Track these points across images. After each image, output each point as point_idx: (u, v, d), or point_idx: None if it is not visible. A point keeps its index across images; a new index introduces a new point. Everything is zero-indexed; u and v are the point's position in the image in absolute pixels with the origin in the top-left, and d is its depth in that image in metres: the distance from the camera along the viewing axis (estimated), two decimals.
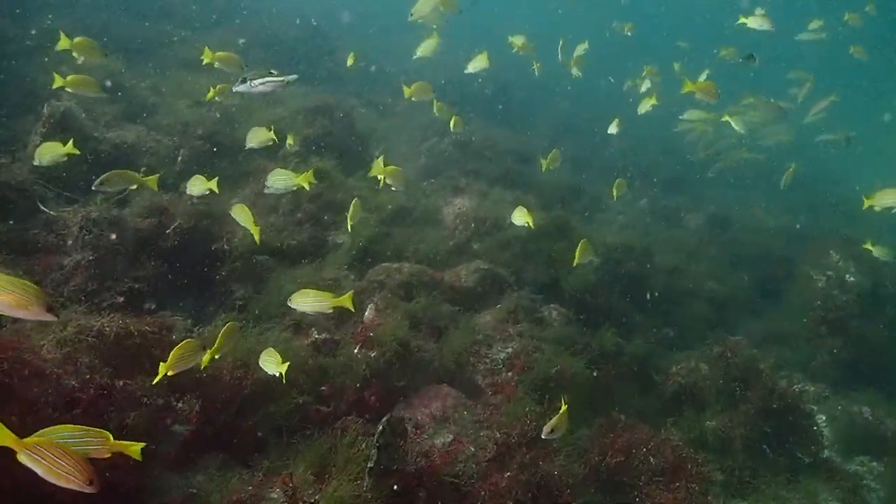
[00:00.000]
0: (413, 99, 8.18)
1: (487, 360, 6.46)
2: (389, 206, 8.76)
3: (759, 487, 6.96)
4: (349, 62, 9.10)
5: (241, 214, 5.69)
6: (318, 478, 4.47)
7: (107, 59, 6.70)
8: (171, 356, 4.14)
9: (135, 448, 3.34)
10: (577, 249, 6.78)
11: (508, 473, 4.97)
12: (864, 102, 25.41)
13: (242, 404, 5.12)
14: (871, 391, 8.98)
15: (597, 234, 9.49)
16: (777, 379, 7.96)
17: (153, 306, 6.05)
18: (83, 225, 6.23)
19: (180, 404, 4.77)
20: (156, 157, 8.57)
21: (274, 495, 4.40)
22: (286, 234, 7.79)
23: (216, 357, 4.51)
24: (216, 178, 6.04)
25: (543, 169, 8.64)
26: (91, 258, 6.15)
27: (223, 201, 7.36)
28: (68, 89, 6.40)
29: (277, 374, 4.70)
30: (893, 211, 6.80)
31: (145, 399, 4.55)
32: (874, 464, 8.10)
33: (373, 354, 5.77)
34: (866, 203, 6.98)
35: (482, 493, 4.80)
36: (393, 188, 7.08)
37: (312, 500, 4.24)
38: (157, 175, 6.03)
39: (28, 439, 2.89)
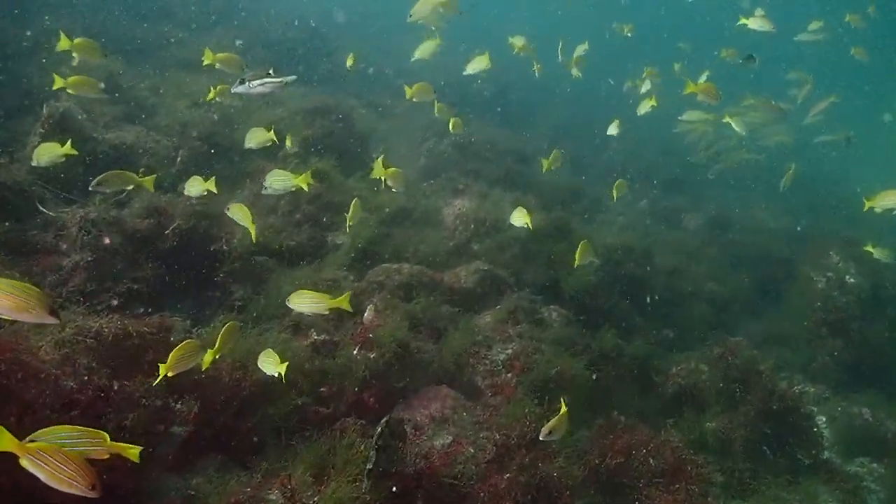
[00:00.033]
0: (414, 99, 8.17)
1: (487, 362, 6.45)
2: (389, 208, 8.75)
3: (759, 489, 6.94)
4: (348, 63, 9.09)
5: (239, 213, 5.68)
6: (317, 479, 4.45)
7: (106, 59, 6.69)
8: (170, 357, 4.13)
9: (133, 451, 3.33)
10: (578, 250, 6.77)
11: (508, 475, 4.96)
12: (865, 103, 25.41)
13: (241, 406, 5.10)
14: (872, 392, 8.97)
15: (597, 236, 9.48)
16: (777, 380, 7.95)
17: (149, 310, 6.03)
18: (82, 226, 6.22)
19: (179, 405, 4.75)
20: (155, 158, 8.56)
21: (273, 497, 4.39)
22: (285, 234, 7.78)
23: (216, 357, 4.50)
24: (213, 179, 6.03)
25: (544, 170, 8.64)
26: (90, 259, 6.15)
27: (222, 202, 7.34)
28: (69, 90, 6.39)
29: (276, 375, 4.69)
30: (894, 212, 6.80)
31: (144, 400, 4.53)
32: (874, 465, 8.09)
33: (372, 356, 5.76)
34: (867, 204, 6.97)
35: (481, 494, 4.79)
36: (393, 189, 7.07)
37: (311, 502, 4.23)
38: (154, 175, 6.02)
39: (30, 444, 2.89)
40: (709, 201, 16.16)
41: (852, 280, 10.09)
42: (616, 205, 12.78)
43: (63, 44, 6.26)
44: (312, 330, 6.11)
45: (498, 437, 5.20)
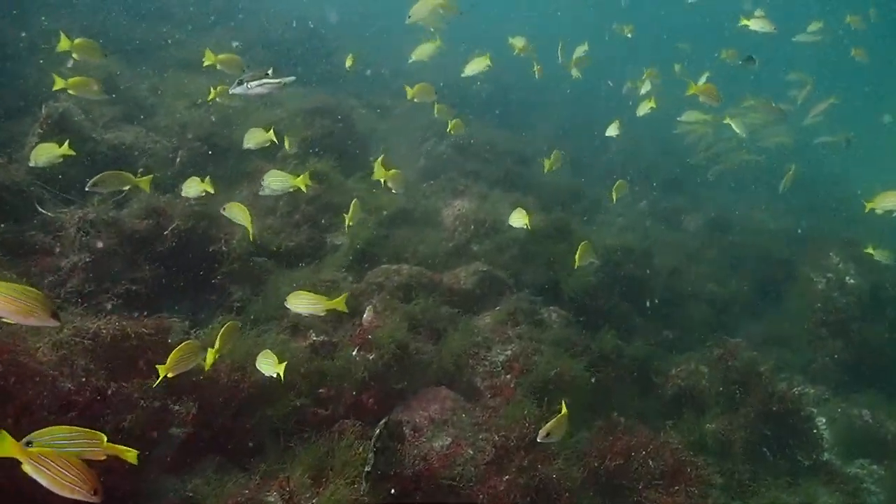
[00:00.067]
0: (415, 100, 8.16)
1: (486, 363, 6.43)
2: (388, 209, 8.73)
3: (759, 491, 6.93)
4: (348, 63, 9.08)
5: (236, 212, 5.66)
6: (316, 481, 4.44)
7: (106, 59, 6.67)
8: (171, 358, 4.12)
9: (131, 454, 3.32)
10: (578, 251, 6.75)
11: (507, 477, 4.95)
12: (864, 105, 25.40)
13: (240, 407, 5.09)
14: (872, 393, 8.96)
15: (596, 237, 9.47)
16: (777, 381, 7.94)
17: (147, 312, 6.02)
18: (80, 226, 6.21)
19: (177, 407, 4.73)
20: (154, 159, 8.55)
21: (271, 499, 4.38)
22: (284, 235, 7.77)
23: (217, 356, 4.49)
24: (210, 179, 6.02)
25: (546, 170, 8.61)
26: (88, 260, 6.13)
27: (221, 203, 7.31)
28: (70, 91, 6.37)
29: (275, 376, 4.68)
30: (894, 214, 6.79)
31: (142, 402, 4.52)
32: (874, 467, 8.07)
33: (371, 357, 5.75)
34: (867, 206, 6.97)
35: (480, 496, 4.78)
36: (393, 191, 7.05)
37: None
38: (151, 176, 6.00)
39: (33, 449, 2.89)
40: (708, 202, 16.15)
41: (852, 281, 10.09)
42: (616, 206, 12.76)
43: (63, 44, 6.25)
44: (311, 331, 6.10)
45: (497, 438, 5.19)
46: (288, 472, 4.50)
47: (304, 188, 5.83)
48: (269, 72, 5.07)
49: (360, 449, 4.55)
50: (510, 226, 7.06)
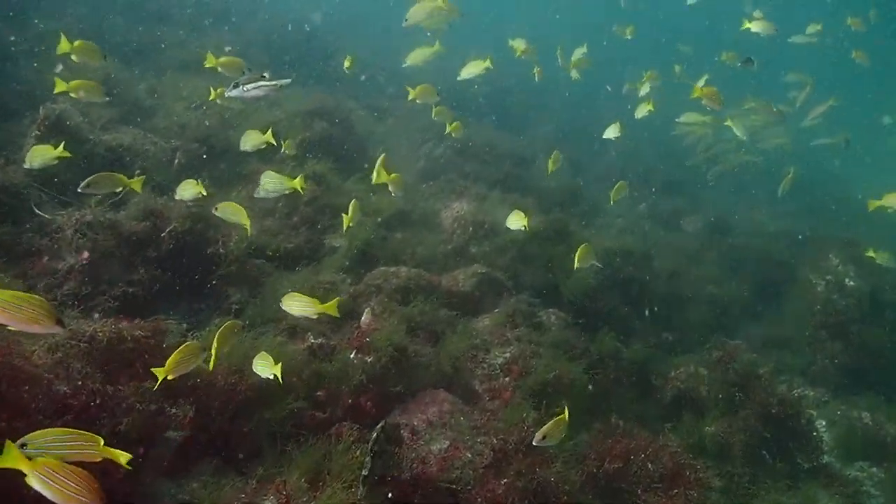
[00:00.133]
0: (417, 101, 8.13)
1: (485, 365, 6.41)
2: (387, 210, 8.72)
3: (759, 493, 6.91)
4: (346, 65, 9.06)
5: (228, 210, 5.63)
6: (313, 485, 4.42)
7: (105, 61, 6.65)
8: (171, 360, 4.10)
9: (123, 458, 3.29)
10: (578, 253, 6.73)
11: (505, 480, 4.92)
12: (864, 106, 25.40)
13: (237, 410, 5.06)
14: (871, 396, 8.96)
15: (596, 239, 9.46)
16: (776, 384, 7.94)
17: (145, 314, 6.00)
18: (77, 228, 6.18)
19: (174, 410, 4.71)
20: (152, 160, 8.52)
21: (268, 503, 4.35)
22: (282, 237, 7.75)
23: (217, 356, 4.46)
24: (205, 182, 6.00)
25: (549, 171, 8.59)
26: (85, 262, 6.10)
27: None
28: (72, 94, 6.35)
29: (271, 377, 4.66)
30: None
31: (138, 405, 4.49)
32: (874, 469, 8.06)
33: (369, 359, 5.72)
34: (873, 205, 6.95)
35: (479, 499, 4.75)
36: (392, 194, 7.03)
37: None
38: (143, 177, 5.97)
39: (37, 460, 2.88)
40: (708, 204, 16.15)
41: (852, 283, 10.08)
42: (615, 208, 12.75)
43: (63, 46, 6.23)
44: (309, 333, 6.08)
45: (495, 441, 5.16)
46: (285, 476, 4.48)
47: (300, 190, 5.81)
48: (266, 74, 5.05)
49: (358, 452, 4.53)
50: (508, 228, 7.03)
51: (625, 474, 5.77)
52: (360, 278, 7.29)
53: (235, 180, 8.69)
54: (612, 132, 8.78)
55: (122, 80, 10.34)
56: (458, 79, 8.65)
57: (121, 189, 5.70)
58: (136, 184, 5.76)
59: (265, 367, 4.66)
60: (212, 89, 7.19)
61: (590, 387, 6.47)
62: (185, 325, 5.74)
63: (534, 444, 4.60)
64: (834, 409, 8.89)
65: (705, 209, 15.45)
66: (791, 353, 10.06)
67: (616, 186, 8.74)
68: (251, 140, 6.36)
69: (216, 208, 5.65)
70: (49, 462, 2.88)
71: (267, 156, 8.45)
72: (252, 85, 5.09)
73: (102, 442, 3.23)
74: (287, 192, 5.84)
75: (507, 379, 6.22)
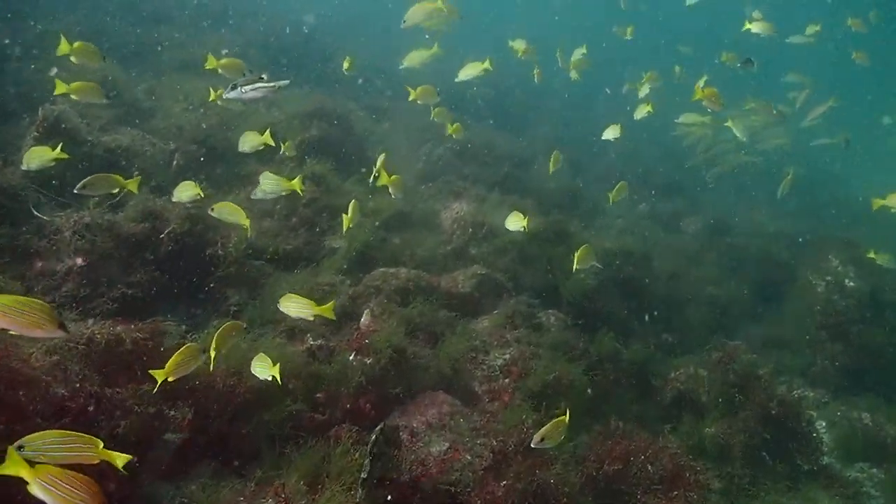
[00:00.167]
0: (418, 102, 8.12)
1: (484, 367, 6.40)
2: (386, 212, 8.71)
3: (759, 495, 6.91)
4: (345, 66, 9.05)
5: (225, 210, 5.62)
6: (311, 488, 4.40)
7: (104, 63, 6.64)
8: (171, 361, 4.09)
9: (120, 461, 3.28)
10: (579, 254, 6.72)
11: (505, 482, 4.91)
12: (864, 106, 25.41)
13: (236, 412, 5.05)
14: (871, 396, 8.94)
15: (595, 240, 9.45)
16: (776, 384, 7.93)
17: (143, 316, 5.98)
18: (76, 230, 6.17)
19: (172, 412, 4.70)
20: (151, 162, 8.51)
21: None
22: (281, 239, 7.74)
23: (217, 355, 4.45)
24: (203, 184, 5.99)
25: (551, 171, 8.57)
26: (83, 263, 6.09)
27: None
28: (73, 96, 6.33)
29: (270, 379, 4.65)
30: None
31: (137, 407, 4.48)
32: (874, 470, 8.04)
33: (368, 361, 5.71)
34: (877, 204, 6.95)
35: (478, 502, 4.74)
36: (393, 196, 7.01)
37: None
38: (139, 178, 5.95)
39: (39, 467, 2.87)
40: (708, 205, 16.14)
41: (852, 284, 10.07)
42: (615, 209, 12.74)
43: (63, 48, 6.21)
44: (308, 335, 6.07)
45: (495, 443, 5.15)
46: (284, 479, 4.46)
47: (299, 191, 5.80)
48: (264, 76, 5.04)
49: (357, 455, 4.51)
50: (507, 229, 7.02)
51: (624, 476, 5.76)
52: (359, 280, 7.28)
53: (234, 181, 8.68)
54: (610, 133, 8.76)
55: (120, 82, 10.32)
56: (457, 80, 8.61)
57: (118, 190, 5.68)
58: (133, 184, 5.74)
59: (264, 369, 4.65)
60: (211, 90, 7.19)
61: (589, 390, 6.46)
62: (183, 327, 5.74)
63: (532, 445, 4.58)
64: (834, 410, 8.88)
65: (705, 210, 15.44)
66: (791, 353, 10.05)
67: (616, 187, 8.72)
68: (249, 141, 6.35)
69: (212, 209, 5.63)
70: (51, 469, 2.88)
71: (266, 157, 8.44)
72: (250, 87, 5.08)
73: (102, 445, 3.22)
74: (284, 193, 5.83)
75: (506, 380, 6.21)
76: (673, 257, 11.71)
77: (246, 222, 5.69)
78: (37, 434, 3.09)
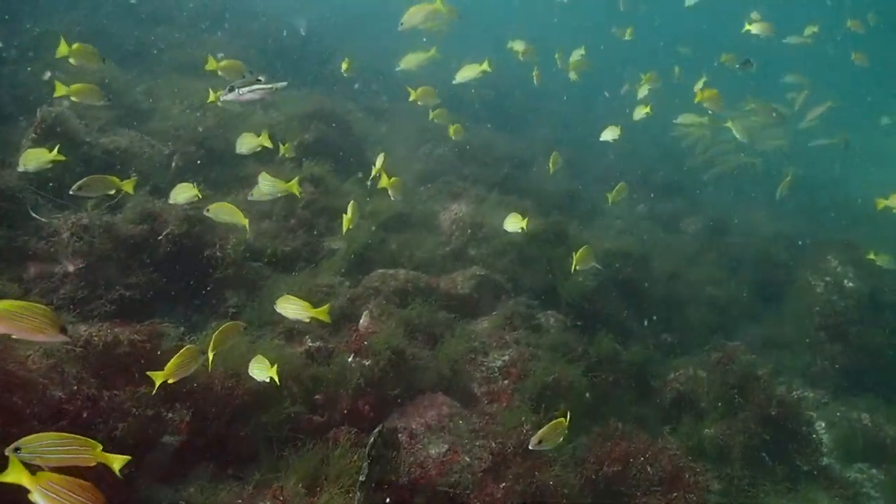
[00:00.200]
0: (418, 103, 8.10)
1: (483, 368, 6.39)
2: (385, 213, 8.69)
3: (758, 496, 6.90)
4: (343, 67, 9.04)
5: (222, 211, 5.60)
6: (310, 490, 4.39)
7: (103, 64, 6.63)
8: (171, 363, 4.08)
9: (116, 464, 3.27)
10: (578, 255, 6.72)
11: (504, 484, 4.90)
12: (863, 107, 25.42)
13: (234, 414, 5.04)
14: (870, 397, 8.92)
15: (594, 241, 9.44)
16: (776, 385, 7.91)
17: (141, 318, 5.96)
18: (74, 231, 6.15)
19: (170, 415, 4.69)
20: (150, 163, 8.50)
21: None
22: (279, 240, 7.72)
23: (214, 353, 4.45)
24: (202, 186, 5.98)
25: (551, 172, 8.56)
26: (82, 265, 6.08)
27: None
28: (73, 98, 6.32)
29: (268, 380, 4.64)
30: None
31: (134, 410, 4.47)
32: (873, 471, 8.03)
33: (367, 363, 5.69)
34: (880, 204, 6.95)
35: (477, 503, 4.73)
36: (392, 198, 7.00)
37: None
38: (134, 179, 5.94)
39: (41, 475, 2.87)
40: (707, 205, 16.14)
41: (851, 284, 10.06)
42: (614, 209, 12.74)
43: (62, 50, 6.20)
44: (307, 337, 6.06)
45: (494, 445, 5.14)
46: (282, 481, 4.45)
47: (297, 193, 5.78)
48: (261, 78, 5.03)
49: (355, 457, 4.50)
50: (506, 231, 7.02)
51: (624, 477, 5.75)
52: (358, 281, 7.27)
53: (233, 183, 8.66)
54: (609, 134, 8.75)
55: (119, 83, 10.31)
56: (454, 82, 8.59)
57: (114, 191, 5.67)
58: (129, 185, 5.73)
59: (261, 371, 4.64)
60: (211, 91, 7.18)
61: (588, 393, 6.44)
62: (182, 329, 5.72)
63: (530, 447, 4.57)
64: (833, 411, 8.87)
65: (704, 211, 15.43)
66: (790, 354, 10.04)
67: (617, 187, 8.72)
68: (247, 143, 6.34)
69: (207, 209, 5.62)
70: (52, 476, 2.88)
71: (265, 158, 8.42)
72: (247, 88, 5.07)
73: (101, 447, 3.21)
74: (280, 195, 5.82)
75: (505, 382, 6.19)
76: (672, 258, 11.70)
77: (244, 221, 5.68)
78: (33, 436, 3.08)
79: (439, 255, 8.47)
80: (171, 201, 6.00)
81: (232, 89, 5.16)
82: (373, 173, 6.52)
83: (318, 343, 5.96)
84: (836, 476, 7.70)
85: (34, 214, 6.58)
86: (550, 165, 8.47)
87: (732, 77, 14.14)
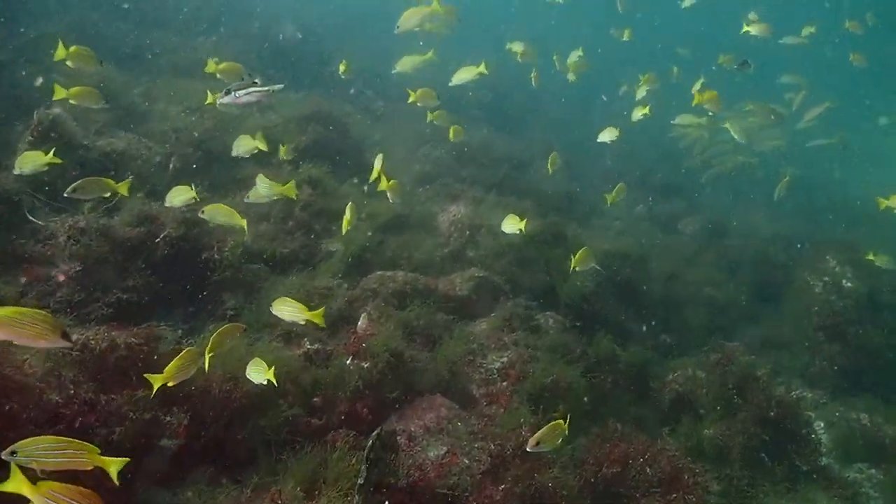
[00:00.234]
0: (418, 104, 8.10)
1: (482, 370, 6.38)
2: (383, 214, 8.68)
3: (757, 496, 6.89)
4: (341, 69, 9.03)
5: (217, 212, 5.59)
6: (308, 494, 4.38)
7: (100, 66, 6.62)
8: (171, 366, 4.06)
9: (113, 469, 3.26)
10: (578, 256, 6.70)
11: (503, 486, 4.89)
12: (861, 108, 25.46)
13: (232, 418, 5.02)
14: (869, 397, 8.93)
15: (593, 242, 9.43)
16: (774, 386, 7.91)
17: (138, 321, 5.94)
18: (70, 234, 6.14)
19: (168, 418, 4.67)
20: (147, 165, 8.48)
21: None
22: (277, 242, 7.71)
23: (212, 354, 4.44)
24: (199, 188, 5.97)
25: (549, 172, 8.56)
26: (78, 268, 6.06)
27: None
28: (72, 101, 6.30)
29: (265, 383, 4.63)
30: None
31: (132, 414, 4.45)
32: (872, 471, 8.03)
33: (365, 365, 5.68)
34: (882, 203, 6.97)
35: None
36: (391, 201, 6.99)
37: None
38: (129, 180, 5.93)
39: (42, 483, 2.87)
40: (705, 206, 16.15)
41: (849, 284, 10.07)
42: (613, 210, 12.74)
43: (59, 53, 6.18)
44: (305, 339, 6.04)
45: (493, 447, 5.13)
46: (280, 485, 4.44)
47: (293, 196, 5.77)
48: (257, 80, 5.02)
49: (354, 460, 4.49)
50: (503, 232, 7.01)
51: (623, 479, 5.73)
52: (356, 283, 7.25)
53: (231, 185, 8.65)
54: (607, 136, 8.74)
55: (116, 85, 10.29)
56: (450, 84, 8.57)
57: (109, 193, 5.65)
58: (123, 187, 5.72)
59: (259, 373, 4.62)
60: (209, 93, 7.17)
61: (586, 395, 6.43)
62: (179, 332, 5.70)
63: (528, 449, 4.56)
64: (832, 411, 8.87)
65: (703, 211, 15.44)
66: (789, 354, 10.04)
67: (616, 188, 8.71)
68: (243, 146, 6.32)
69: (202, 211, 5.60)
70: (53, 485, 2.88)
71: (262, 160, 8.42)
72: (244, 91, 5.06)
73: (98, 451, 3.20)
74: (275, 197, 5.80)
75: (504, 383, 6.18)
76: (671, 259, 11.71)
77: (241, 223, 5.67)
78: (30, 440, 3.08)
79: (438, 257, 8.46)
80: (167, 204, 5.98)
81: (228, 92, 5.16)
82: (372, 176, 6.50)
83: (316, 345, 5.95)
84: (835, 476, 7.70)
85: (31, 217, 6.57)
86: (549, 166, 8.45)
87: (731, 78, 14.16)
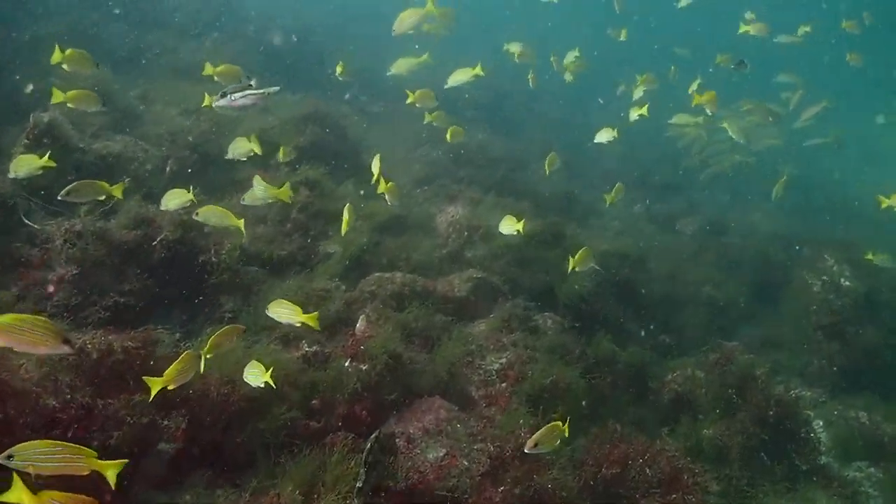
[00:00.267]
0: (417, 105, 8.08)
1: (481, 371, 6.37)
2: (381, 216, 8.67)
3: (757, 496, 6.88)
4: (338, 70, 9.02)
5: (212, 214, 5.57)
6: (307, 497, 4.36)
7: (97, 69, 6.60)
8: (171, 369, 4.05)
9: (110, 472, 3.24)
10: (577, 256, 6.69)
11: (502, 488, 4.88)
12: (858, 107, 25.48)
13: (230, 421, 5.00)
14: (868, 395, 8.93)
15: (592, 242, 9.42)
16: (773, 385, 7.91)
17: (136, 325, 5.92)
18: (67, 238, 6.12)
19: (166, 422, 4.65)
20: (143, 168, 8.46)
21: None
22: (275, 244, 7.69)
23: (209, 355, 4.42)
24: (196, 190, 5.95)
25: (548, 173, 8.55)
26: (75, 272, 6.04)
27: None
28: (70, 105, 6.29)
29: (262, 385, 4.61)
30: None
31: (129, 418, 4.43)
32: (872, 469, 8.03)
33: (364, 367, 5.67)
34: (884, 203, 6.97)
35: None
36: (389, 203, 6.97)
37: None
38: (123, 183, 5.91)
39: (42, 493, 2.87)
40: (703, 206, 16.16)
41: (847, 283, 10.07)
42: (611, 210, 12.74)
43: (56, 56, 6.17)
44: (303, 341, 6.02)
45: (492, 449, 5.12)
46: (279, 488, 4.42)
47: (287, 200, 5.75)
48: (253, 83, 5.01)
49: (352, 463, 4.47)
50: (501, 233, 7.00)
51: (622, 480, 5.72)
52: (354, 285, 7.24)
53: (228, 187, 8.63)
54: (603, 136, 8.74)
55: (112, 88, 10.27)
56: (446, 87, 8.55)
57: (104, 196, 5.63)
58: (118, 190, 5.70)
59: (256, 376, 4.61)
60: (206, 95, 7.15)
61: (585, 395, 6.42)
62: (177, 336, 5.68)
63: (526, 451, 4.54)
64: (831, 410, 8.86)
65: (701, 211, 15.45)
66: (788, 354, 10.04)
67: (615, 188, 8.71)
68: (238, 148, 6.30)
69: (197, 213, 5.58)
70: (54, 494, 2.87)
71: (259, 162, 8.40)
72: (239, 94, 5.05)
73: (95, 455, 3.19)
74: (270, 200, 5.79)
75: (503, 385, 6.17)
76: (670, 259, 11.71)
77: (237, 224, 5.65)
78: (27, 444, 3.06)
79: (436, 258, 8.45)
80: (162, 207, 5.95)
81: (224, 95, 5.14)
82: (373, 178, 6.48)
83: (314, 348, 5.93)
84: (834, 475, 7.69)
85: (27, 221, 6.54)
86: (547, 167, 8.45)
87: (728, 78, 14.18)
